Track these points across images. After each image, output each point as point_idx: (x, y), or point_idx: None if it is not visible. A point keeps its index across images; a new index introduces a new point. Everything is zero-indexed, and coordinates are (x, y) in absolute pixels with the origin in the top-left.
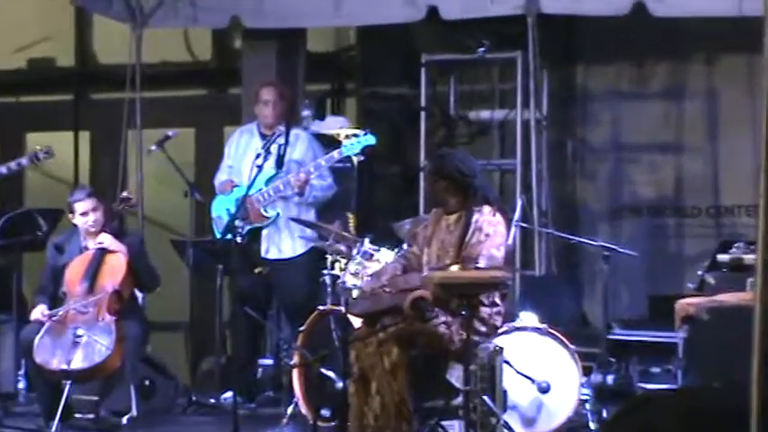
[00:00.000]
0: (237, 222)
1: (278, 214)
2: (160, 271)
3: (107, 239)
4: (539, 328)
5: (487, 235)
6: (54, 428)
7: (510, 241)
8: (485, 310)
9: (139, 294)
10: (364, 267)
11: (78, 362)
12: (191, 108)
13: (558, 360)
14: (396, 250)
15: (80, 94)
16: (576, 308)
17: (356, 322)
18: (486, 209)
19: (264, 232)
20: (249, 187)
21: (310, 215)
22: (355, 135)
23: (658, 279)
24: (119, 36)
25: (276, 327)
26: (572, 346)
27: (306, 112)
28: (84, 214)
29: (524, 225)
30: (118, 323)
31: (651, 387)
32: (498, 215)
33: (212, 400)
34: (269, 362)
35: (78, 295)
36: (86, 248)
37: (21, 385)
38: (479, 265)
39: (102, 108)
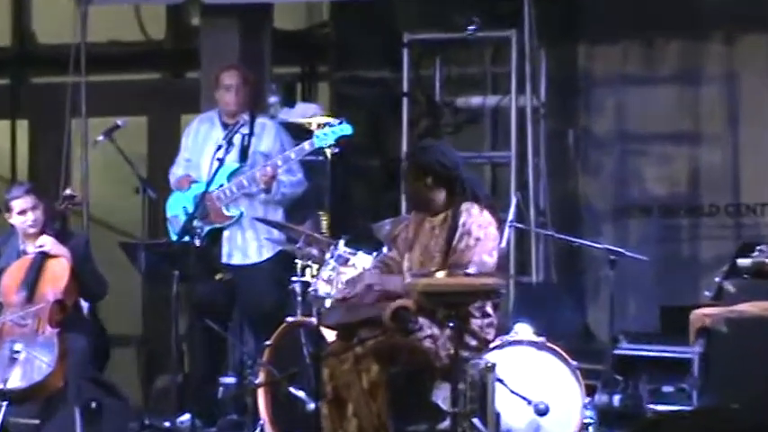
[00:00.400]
0: (196, 223)
1: (241, 214)
2: (108, 277)
3: (48, 242)
4: (536, 342)
5: (477, 239)
6: None
7: (503, 244)
8: (475, 322)
9: (85, 304)
10: (339, 273)
11: (16, 380)
12: (143, 94)
13: (557, 378)
14: (374, 254)
15: (17, 77)
16: (578, 319)
17: (330, 335)
18: (475, 209)
19: (226, 234)
20: (209, 183)
21: (278, 215)
22: (329, 124)
23: (671, 287)
24: (61, 13)
25: (239, 341)
26: (573, 363)
27: (273, 99)
28: (21, 213)
29: (520, 226)
30: (60, 337)
31: (663, 408)
32: (488, 215)
33: (167, 424)
34: (231, 380)
35: (15, 305)
36: (25, 252)
37: None
38: (470, 270)
39: (42, 94)
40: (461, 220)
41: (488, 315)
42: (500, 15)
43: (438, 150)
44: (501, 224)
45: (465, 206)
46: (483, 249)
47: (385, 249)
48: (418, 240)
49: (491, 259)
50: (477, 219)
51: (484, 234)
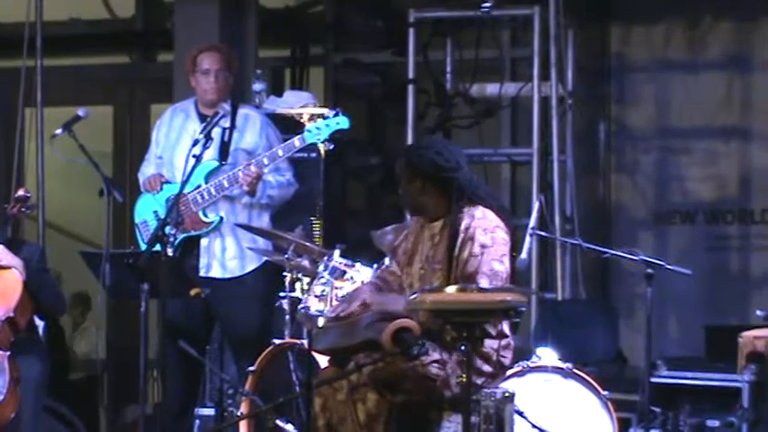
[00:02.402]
0: (168, 229)
1: (221, 219)
2: (67, 292)
3: None
4: (561, 369)
5: (483, 246)
6: None
7: (523, 255)
8: (490, 345)
9: (40, 323)
10: (333, 288)
11: None
12: (108, 80)
13: (586, 410)
14: (374, 266)
15: None
16: (610, 342)
17: (322, 360)
18: (478, 211)
19: (204, 242)
20: (184, 184)
21: (264, 220)
22: (322, 116)
23: (718, 305)
24: None
25: (218, 366)
26: (605, 392)
27: (258, 86)
28: None
29: (543, 234)
30: (11, 361)
31: None
32: (492, 215)
33: None
34: (209, 411)
35: None
36: None
37: None
38: (481, 282)
39: None
40: (462, 225)
41: (505, 335)
42: None
43: (433, 149)
44: (510, 226)
45: (466, 209)
46: (492, 257)
47: (387, 261)
48: (418, 252)
49: (502, 267)
50: (480, 222)
51: (490, 239)
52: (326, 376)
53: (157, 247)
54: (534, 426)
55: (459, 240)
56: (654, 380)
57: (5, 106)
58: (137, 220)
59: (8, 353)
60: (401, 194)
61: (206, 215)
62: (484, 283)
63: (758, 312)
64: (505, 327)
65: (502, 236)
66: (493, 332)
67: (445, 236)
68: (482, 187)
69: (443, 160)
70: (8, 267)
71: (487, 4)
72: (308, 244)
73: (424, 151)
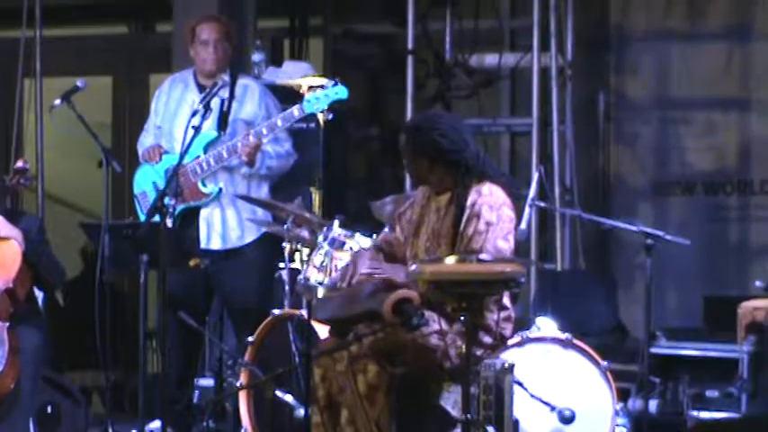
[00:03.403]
0: (167, 200)
1: (220, 190)
2: (66, 263)
3: None
4: (560, 340)
5: (489, 223)
6: None
7: (523, 226)
8: (490, 316)
9: (39, 294)
10: (333, 259)
11: None
12: (107, 51)
13: (585, 380)
14: (374, 237)
15: None
16: (609, 313)
17: (322, 331)
18: (485, 187)
19: (203, 213)
20: (183, 154)
21: (263, 191)
22: (322, 86)
23: (717, 276)
24: None
25: (218, 337)
26: (604, 363)
27: (257, 57)
28: None
29: (542, 205)
30: (11, 332)
31: (706, 416)
32: (500, 192)
33: None
34: (208, 382)
35: None
36: None
37: None
38: (483, 258)
39: None
40: (469, 201)
41: (505, 308)
42: None
43: (436, 130)
44: (517, 203)
45: (474, 186)
46: (496, 234)
47: (386, 230)
48: (424, 223)
49: (507, 245)
50: (487, 199)
51: (496, 216)
52: (326, 347)
53: (156, 218)
54: (533, 396)
55: (465, 216)
56: (653, 350)
57: (4, 77)
58: (136, 191)
59: (7, 324)
60: (407, 168)
61: (205, 186)
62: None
63: (757, 283)
64: (506, 299)
65: (508, 213)
66: (492, 306)
67: (451, 211)
68: (489, 163)
69: (448, 142)
70: (7, 239)
71: None
72: (307, 215)
73: (429, 132)
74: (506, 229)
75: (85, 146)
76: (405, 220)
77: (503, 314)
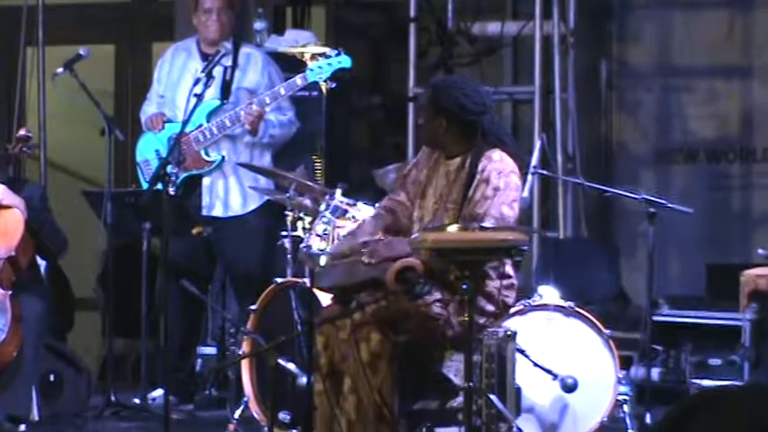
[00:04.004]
0: (170, 168)
1: (222, 158)
2: (69, 231)
3: None
4: (563, 308)
5: (496, 189)
6: None
7: (525, 194)
8: (492, 284)
9: (42, 262)
10: (335, 227)
11: None
12: (109, 19)
13: (587, 348)
14: (376, 205)
15: None
16: (611, 281)
17: (325, 299)
18: (496, 153)
19: (206, 182)
20: (185, 123)
21: (265, 159)
22: (324, 55)
23: (719, 244)
24: None
25: (220, 305)
26: (606, 331)
27: (260, 25)
28: None
29: (545, 173)
30: (13, 300)
31: (709, 384)
32: (509, 161)
33: (137, 401)
34: (211, 350)
35: None
36: None
37: None
38: (487, 224)
39: None
40: (479, 167)
41: (508, 276)
42: None
43: (461, 90)
44: (524, 172)
45: (485, 152)
46: (502, 200)
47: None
48: (432, 186)
49: (512, 212)
50: (496, 165)
51: (504, 183)
52: (329, 315)
53: (159, 186)
54: (536, 364)
55: (475, 181)
56: (655, 318)
57: (7, 45)
58: (138, 159)
59: (10, 292)
60: (422, 128)
61: (208, 154)
62: (489, 224)
63: (760, 251)
64: (509, 267)
65: (515, 181)
66: (494, 274)
67: (462, 176)
68: (504, 132)
69: (471, 102)
70: (9, 207)
71: None
72: (309, 183)
73: (453, 91)
74: (512, 196)
75: (88, 114)
76: (410, 181)
77: (505, 282)
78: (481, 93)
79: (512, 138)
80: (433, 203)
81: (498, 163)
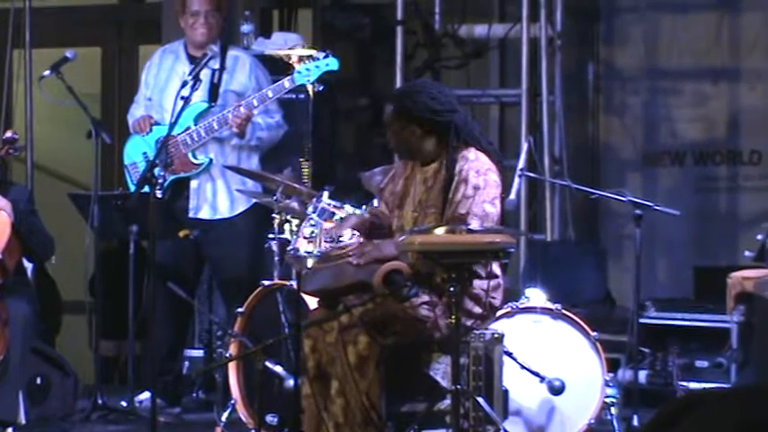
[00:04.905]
0: (157, 171)
1: (210, 161)
2: (55, 234)
3: None
4: (550, 310)
5: (476, 188)
6: None
7: (512, 196)
8: (479, 285)
9: (28, 265)
10: (322, 229)
11: None
12: (96, 22)
13: (574, 351)
14: (364, 207)
15: None
16: (598, 283)
17: (312, 302)
18: (471, 153)
19: (193, 184)
20: (173, 125)
21: (253, 162)
22: (312, 58)
23: (706, 246)
24: None
25: (207, 308)
26: (594, 333)
27: (247, 28)
28: None
29: (532, 175)
30: (0, 303)
31: (696, 386)
32: (485, 158)
33: (124, 404)
34: (198, 353)
35: None
36: None
37: None
38: (472, 224)
39: None
40: (456, 168)
41: (495, 276)
42: None
43: (426, 93)
44: (501, 170)
45: (461, 152)
46: (484, 198)
47: (375, 202)
48: (409, 195)
49: (494, 209)
50: (474, 164)
51: (483, 182)
52: (316, 318)
53: (146, 189)
54: (523, 367)
55: (454, 183)
56: (642, 321)
57: None
58: (126, 162)
59: None
60: (393, 140)
61: (195, 157)
62: (475, 224)
63: (747, 253)
64: (496, 267)
65: (494, 178)
66: (482, 273)
67: (440, 179)
68: (477, 128)
69: (440, 104)
70: None
71: None
72: (296, 185)
73: (418, 96)
74: (492, 193)
75: (75, 117)
76: (387, 193)
77: (492, 283)
78: (447, 93)
79: (484, 133)
80: (411, 212)
81: (475, 162)
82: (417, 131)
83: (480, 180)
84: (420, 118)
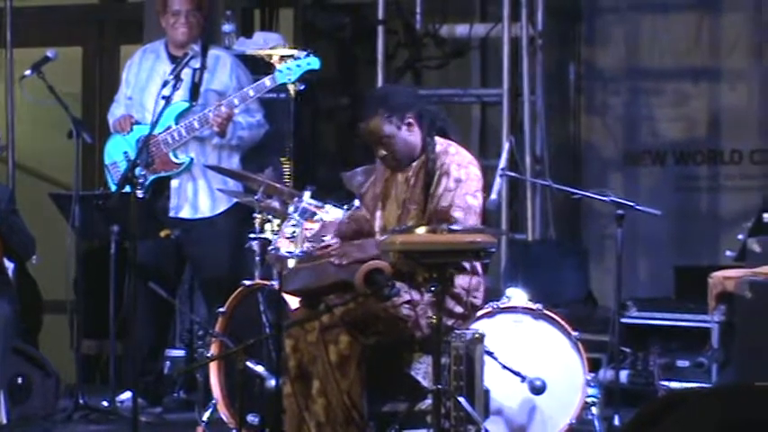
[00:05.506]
0: (138, 171)
1: (191, 160)
2: (36, 234)
3: None
4: (531, 310)
5: (458, 180)
6: None
7: (494, 196)
8: (460, 285)
9: (9, 265)
10: (303, 229)
11: None
12: (77, 21)
13: (556, 351)
14: (345, 207)
15: None
16: (580, 283)
17: (293, 302)
18: (452, 147)
19: (174, 184)
20: (154, 125)
21: (234, 162)
22: (293, 57)
23: (687, 246)
24: None
25: (188, 307)
26: (575, 333)
27: (228, 27)
28: None
29: (513, 175)
30: None
31: (677, 386)
32: (465, 152)
33: (105, 403)
34: (179, 353)
35: None
36: None
37: None
38: (455, 215)
39: None
40: (438, 162)
41: (476, 273)
42: None
43: (395, 92)
44: (487, 173)
45: (440, 147)
46: (466, 191)
47: (356, 202)
48: (391, 196)
49: (476, 201)
50: (455, 158)
51: (465, 174)
52: (297, 317)
53: (127, 189)
54: (504, 366)
55: (436, 177)
56: (624, 320)
57: None
58: (107, 162)
59: None
60: (384, 148)
61: (176, 156)
62: (458, 214)
63: (728, 253)
64: (477, 265)
65: (475, 172)
66: (467, 266)
67: (421, 176)
68: (446, 122)
69: (412, 96)
70: None
71: None
72: (277, 185)
73: (394, 96)
74: (474, 186)
75: (56, 116)
76: (368, 197)
77: (473, 282)
78: (412, 90)
79: (456, 128)
80: (395, 210)
81: (456, 156)
82: (407, 126)
83: (462, 173)
84: (406, 110)
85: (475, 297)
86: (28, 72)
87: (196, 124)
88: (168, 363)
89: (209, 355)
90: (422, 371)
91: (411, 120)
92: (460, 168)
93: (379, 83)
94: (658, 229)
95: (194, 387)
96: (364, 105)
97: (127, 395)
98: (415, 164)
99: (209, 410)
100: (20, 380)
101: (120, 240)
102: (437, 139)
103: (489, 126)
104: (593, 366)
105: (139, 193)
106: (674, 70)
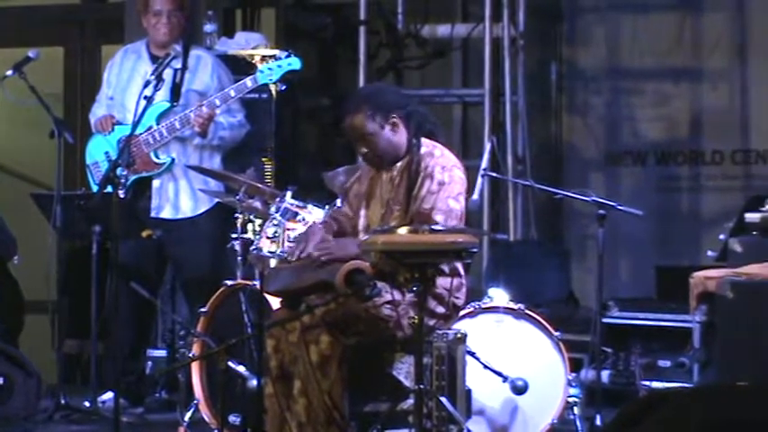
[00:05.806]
0: (119, 171)
1: (172, 160)
2: (18, 234)
3: None
4: (513, 310)
5: (441, 183)
6: None
7: (475, 196)
8: (443, 285)
9: None
10: (285, 229)
11: None
12: (58, 21)
13: (537, 351)
14: (326, 207)
15: None
16: (561, 283)
17: (275, 302)
18: (437, 150)
19: (155, 184)
20: (135, 125)
21: (215, 162)
22: (274, 57)
23: (669, 246)
24: None
25: (170, 307)
26: (556, 333)
27: (210, 27)
28: None
29: (494, 175)
30: None
31: (658, 385)
32: (451, 155)
33: (87, 404)
34: (161, 353)
35: None
36: None
37: None
38: (436, 218)
39: None
40: (423, 164)
41: (458, 274)
42: None
43: (381, 88)
44: (469, 173)
45: (426, 149)
46: (448, 194)
47: (338, 202)
48: (375, 194)
49: (458, 205)
50: (439, 160)
51: (449, 177)
52: (279, 318)
53: (109, 189)
54: (486, 366)
55: (420, 178)
56: (605, 320)
57: None
58: (88, 162)
59: None
60: (364, 149)
61: (157, 156)
62: (439, 218)
63: (709, 253)
64: (459, 266)
65: (459, 175)
66: (446, 269)
67: (405, 176)
68: (437, 123)
69: (399, 95)
70: None
71: None
72: (259, 185)
73: (379, 95)
74: (457, 189)
75: (37, 116)
76: (352, 194)
77: (455, 283)
78: (397, 89)
79: (441, 129)
80: (379, 209)
81: (441, 158)
82: (391, 125)
83: (445, 176)
84: (390, 109)
85: (457, 297)
86: (9, 72)
87: (177, 124)
88: (150, 363)
89: (190, 355)
90: (403, 371)
91: (396, 120)
92: (444, 171)
93: (361, 83)
94: (640, 230)
95: (176, 387)
96: (350, 101)
97: (108, 395)
98: (399, 164)
99: (191, 411)
100: (1, 380)
101: (102, 240)
102: (423, 140)
103: (471, 126)
104: (575, 366)
105: (121, 194)
106: (656, 70)
